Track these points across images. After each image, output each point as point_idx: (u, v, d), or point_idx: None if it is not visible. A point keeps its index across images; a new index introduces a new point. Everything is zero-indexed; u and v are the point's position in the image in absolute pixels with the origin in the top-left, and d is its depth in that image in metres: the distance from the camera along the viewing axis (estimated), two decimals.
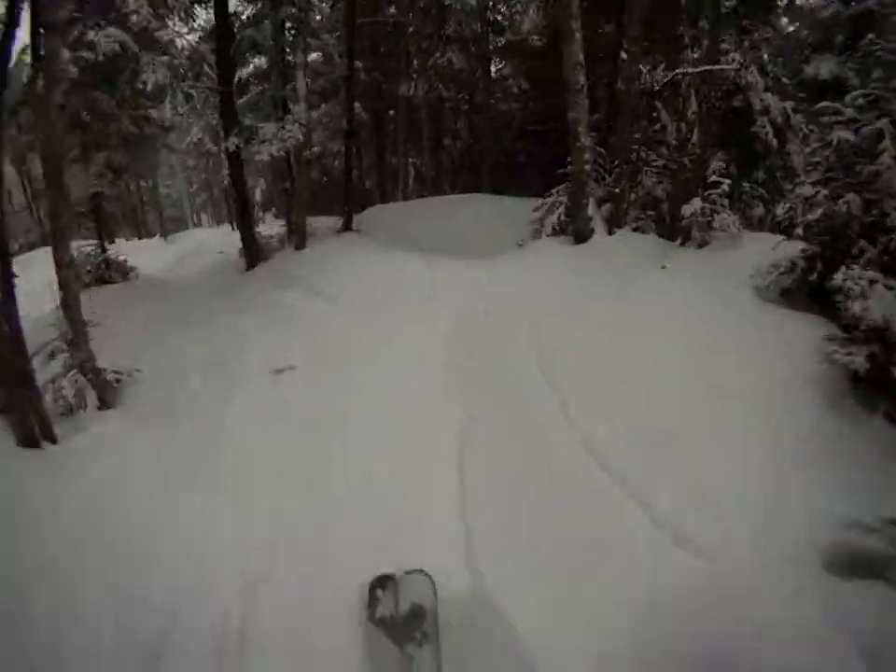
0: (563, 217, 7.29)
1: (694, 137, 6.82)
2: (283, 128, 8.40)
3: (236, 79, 12.67)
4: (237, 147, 8.53)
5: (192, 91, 7.61)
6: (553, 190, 8.20)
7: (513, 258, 6.89)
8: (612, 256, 6.40)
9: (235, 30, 11.68)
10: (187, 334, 6.63)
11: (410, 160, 15.77)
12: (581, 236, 6.96)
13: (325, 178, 16.33)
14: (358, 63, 12.21)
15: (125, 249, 16.90)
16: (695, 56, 7.48)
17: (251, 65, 13.10)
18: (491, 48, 14.20)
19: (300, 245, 9.01)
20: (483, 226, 9.78)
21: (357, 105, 12.91)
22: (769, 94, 7.40)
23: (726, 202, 6.33)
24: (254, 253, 9.17)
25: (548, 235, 7.28)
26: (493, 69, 14.83)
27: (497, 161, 14.75)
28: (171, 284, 10.30)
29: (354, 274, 6.98)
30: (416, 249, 8.48)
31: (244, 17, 12.05)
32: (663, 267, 6.05)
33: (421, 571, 3.06)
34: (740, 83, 7.01)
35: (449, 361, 5.00)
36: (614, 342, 4.79)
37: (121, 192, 20.03)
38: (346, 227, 9.96)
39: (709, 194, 6.33)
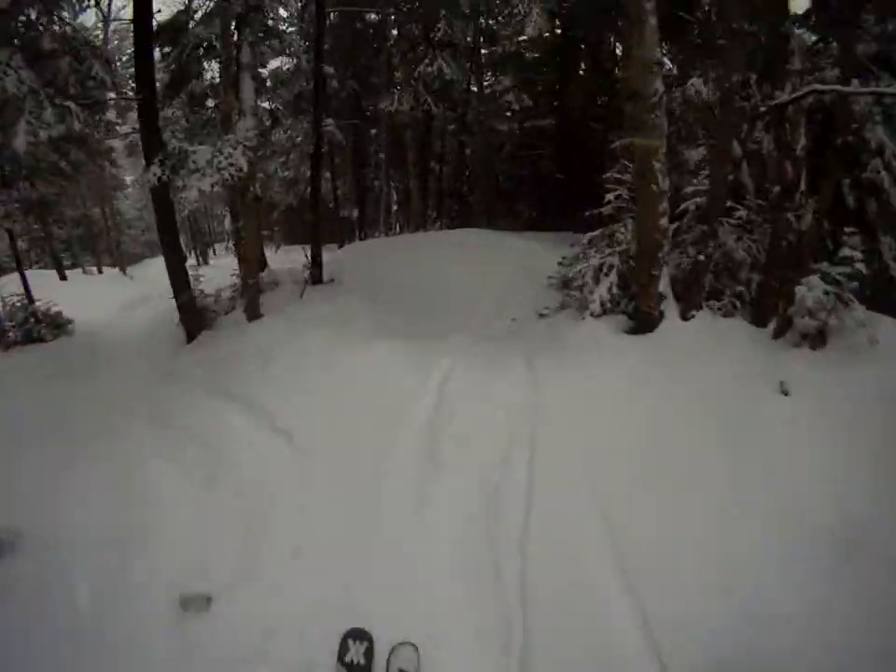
0: (615, 290, 4.56)
1: (802, 184, 4.13)
2: (219, 152, 5.37)
3: (188, 92, 9.72)
4: (159, 179, 5.48)
5: (71, 105, 4.50)
6: (586, 239, 5.50)
7: (548, 363, 4.12)
8: (699, 363, 3.74)
9: (189, 28, 8.71)
10: (85, 467, 3.65)
11: (392, 184, 12.72)
12: (647, 322, 4.25)
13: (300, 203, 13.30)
14: (329, 69, 9.22)
15: (77, 285, 13.70)
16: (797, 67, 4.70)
17: (208, 75, 10.12)
18: (483, 60, 11.27)
19: (252, 314, 6.07)
20: (486, 276, 6.99)
21: (330, 121, 9.93)
22: (879, 128, 4.76)
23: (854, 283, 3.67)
24: (194, 321, 6.17)
25: (595, 315, 4.53)
26: (484, 84, 11.89)
27: (490, 187, 11.89)
28: (101, 349, 7.25)
29: (318, 387, 4.14)
30: (404, 321, 5.69)
31: (197, 15, 9.10)
32: (784, 393, 3.43)
33: (410, 643, 2.36)
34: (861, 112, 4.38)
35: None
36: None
37: (81, 217, 16.65)
38: (316, 279, 7.07)
39: (835, 273, 3.67)
